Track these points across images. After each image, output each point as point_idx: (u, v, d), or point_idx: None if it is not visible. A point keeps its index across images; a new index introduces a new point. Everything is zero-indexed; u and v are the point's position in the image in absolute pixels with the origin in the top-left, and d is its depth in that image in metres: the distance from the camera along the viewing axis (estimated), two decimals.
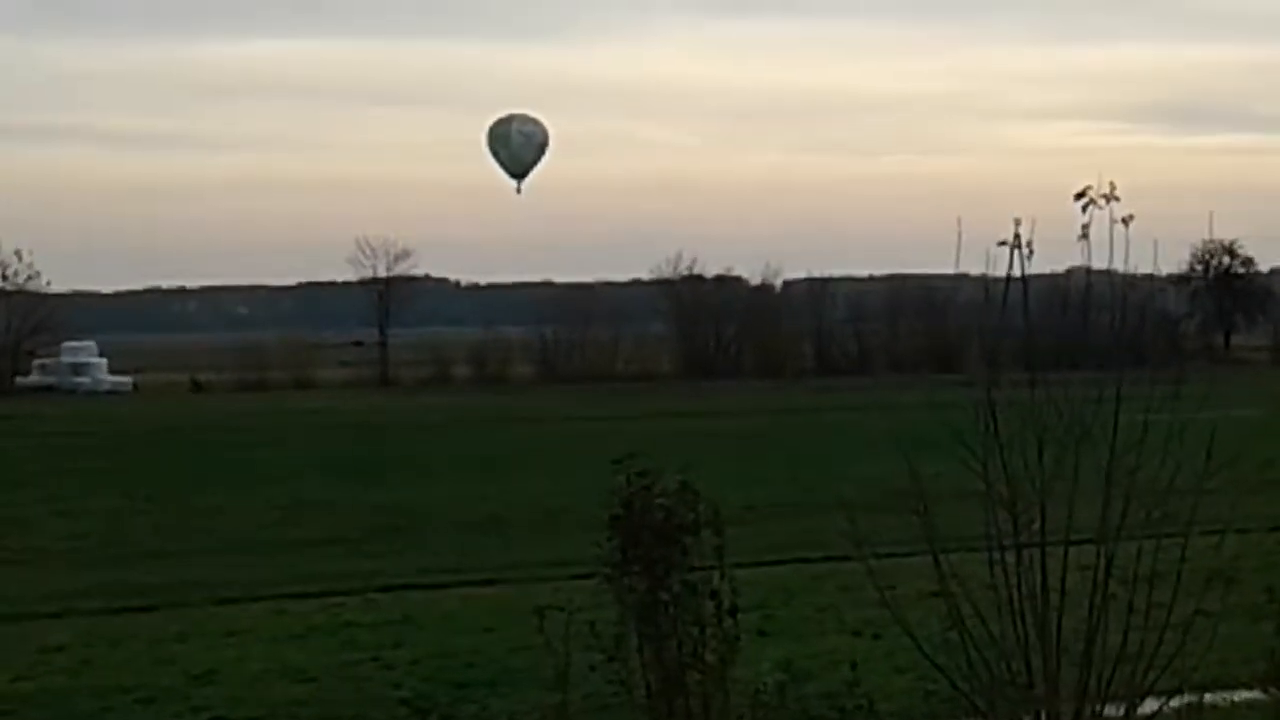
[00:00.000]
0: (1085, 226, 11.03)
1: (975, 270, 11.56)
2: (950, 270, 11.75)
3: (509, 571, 25.75)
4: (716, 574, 12.06)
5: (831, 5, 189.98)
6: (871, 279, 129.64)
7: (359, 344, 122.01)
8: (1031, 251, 11.12)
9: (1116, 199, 10.91)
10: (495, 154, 73.01)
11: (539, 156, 72.99)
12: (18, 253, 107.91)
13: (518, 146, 72.22)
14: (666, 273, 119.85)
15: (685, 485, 12.19)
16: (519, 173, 72.74)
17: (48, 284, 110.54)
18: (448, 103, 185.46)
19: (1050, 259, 11.32)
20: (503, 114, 74.77)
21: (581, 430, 61.62)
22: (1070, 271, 12.32)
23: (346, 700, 16.77)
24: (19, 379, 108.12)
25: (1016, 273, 11.16)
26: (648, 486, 12.11)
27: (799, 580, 23.56)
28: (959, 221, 11.40)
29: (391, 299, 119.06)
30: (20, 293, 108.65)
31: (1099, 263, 11.25)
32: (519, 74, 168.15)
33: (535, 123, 74.09)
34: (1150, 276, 12.14)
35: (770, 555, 25.11)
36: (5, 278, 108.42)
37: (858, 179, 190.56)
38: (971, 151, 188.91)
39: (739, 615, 12.08)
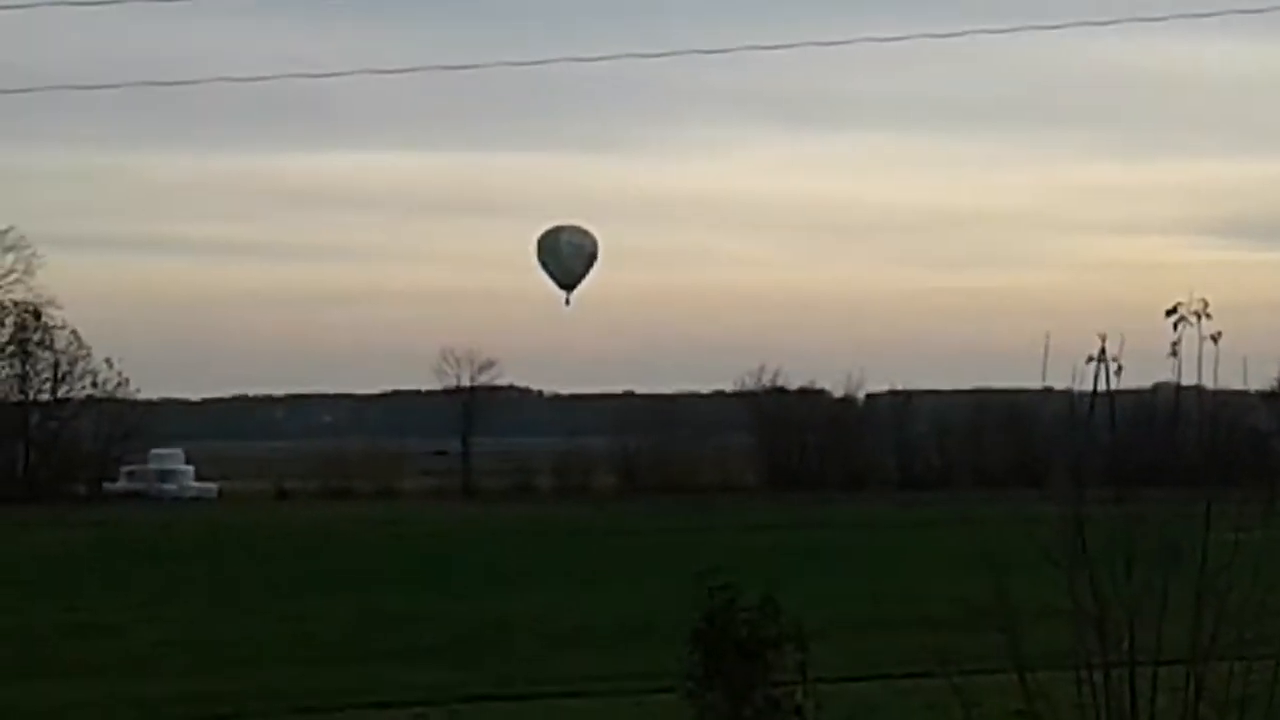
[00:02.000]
0: (1175, 344, 10.96)
1: (1061, 385, 11.50)
2: (1036, 385, 11.69)
3: (592, 684, 25.62)
4: (800, 690, 11.97)
5: (915, 120, 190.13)
6: (956, 393, 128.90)
7: (442, 453, 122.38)
8: (1120, 368, 11.06)
9: (1208, 316, 10.84)
10: (544, 265, 73.00)
11: (589, 267, 72.90)
12: (108, 360, 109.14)
13: (568, 257, 72.14)
14: (749, 385, 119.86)
15: (768, 600, 12.14)
16: (569, 284, 72.68)
17: (137, 391, 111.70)
18: (531, 213, 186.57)
19: (1137, 374, 11.26)
20: (549, 225, 74.71)
21: (664, 542, 61.40)
22: (1157, 387, 12.23)
23: None
24: (107, 485, 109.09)
25: (1103, 388, 11.10)
26: (731, 600, 12.07)
27: (883, 697, 23.31)
28: (1046, 336, 11.37)
29: (475, 409, 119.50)
30: (110, 400, 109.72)
31: (1187, 378, 11.17)
32: (599, 185, 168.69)
33: (585, 233, 74.05)
34: (1240, 393, 12.04)
35: (854, 671, 24.86)
36: (95, 385, 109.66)
37: (941, 292, 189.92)
38: (1056, 266, 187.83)
39: None
